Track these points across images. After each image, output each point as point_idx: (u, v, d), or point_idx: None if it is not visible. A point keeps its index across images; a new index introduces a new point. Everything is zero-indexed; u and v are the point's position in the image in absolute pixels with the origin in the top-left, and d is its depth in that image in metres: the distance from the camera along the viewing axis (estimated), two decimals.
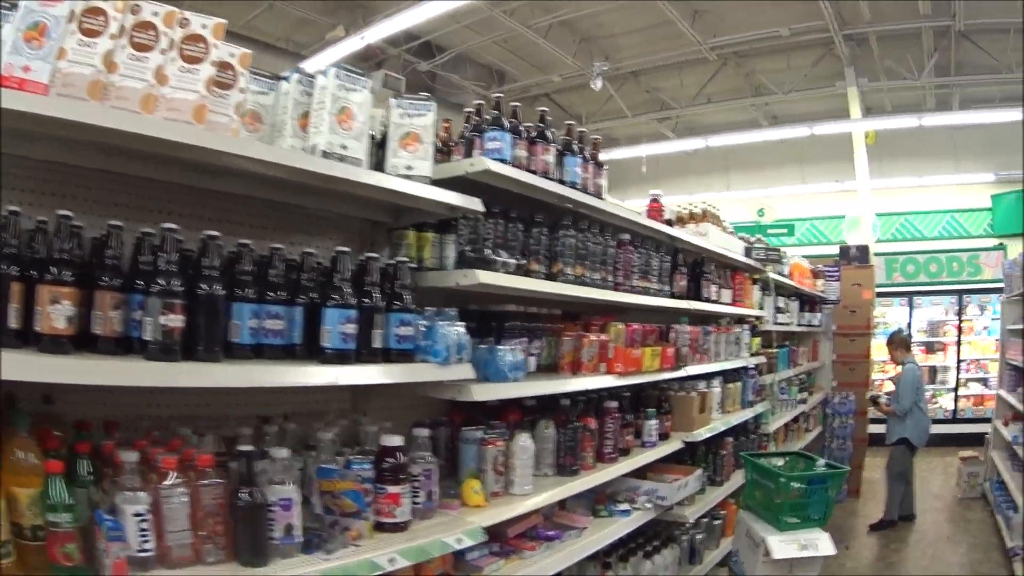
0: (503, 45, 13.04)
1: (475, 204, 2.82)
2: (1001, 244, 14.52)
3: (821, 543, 3.89)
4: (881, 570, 6.87)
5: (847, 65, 13.15)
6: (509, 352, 2.96)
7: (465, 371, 2.74)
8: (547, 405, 3.55)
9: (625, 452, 4.05)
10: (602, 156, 3.87)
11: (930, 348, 14.33)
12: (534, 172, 3.21)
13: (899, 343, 8.71)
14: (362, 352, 2.38)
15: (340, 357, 2.31)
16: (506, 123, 3.11)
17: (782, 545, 3.81)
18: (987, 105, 13.74)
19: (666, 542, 4.56)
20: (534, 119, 3.40)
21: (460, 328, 2.73)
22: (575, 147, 3.55)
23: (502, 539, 3.09)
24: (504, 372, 2.91)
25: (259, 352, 2.21)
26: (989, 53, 12.32)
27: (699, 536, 4.99)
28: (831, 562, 5.79)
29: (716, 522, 5.34)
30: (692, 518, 4.69)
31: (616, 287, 3.96)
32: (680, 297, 4.80)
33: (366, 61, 12.13)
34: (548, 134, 3.33)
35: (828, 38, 12.23)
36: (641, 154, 15.00)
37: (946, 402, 13.78)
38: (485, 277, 2.81)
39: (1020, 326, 8.55)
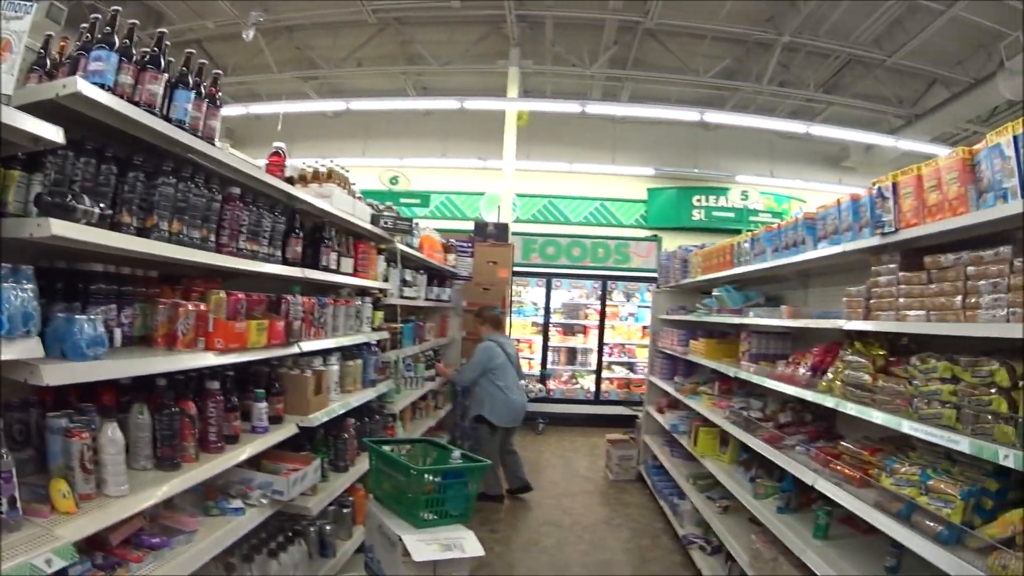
0: None
1: (52, 133, 2.48)
2: (656, 236, 16.16)
3: (467, 543, 3.83)
4: (537, 556, 7.18)
5: (514, 45, 14.12)
6: (87, 323, 2.69)
7: (31, 348, 2.42)
8: (144, 385, 3.33)
9: (233, 439, 3.89)
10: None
11: (568, 330, 15.52)
12: (137, 104, 2.97)
13: (488, 319, 9.28)
14: None
15: None
16: (116, 42, 2.88)
17: (422, 546, 3.71)
18: (659, 103, 15.54)
19: (293, 537, 4.50)
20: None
21: (28, 293, 2.41)
22: (191, 80, 3.32)
23: (106, 547, 2.90)
24: (82, 348, 2.64)
25: None
26: (676, 55, 13.95)
27: (328, 527, 4.99)
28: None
29: (345, 510, 5.37)
30: (316, 509, 4.67)
31: (219, 248, 3.75)
32: (295, 264, 4.69)
33: None
34: (162, 60, 3.09)
35: (500, 16, 13.08)
36: (279, 111, 14.91)
37: (588, 384, 15.04)
38: (60, 228, 2.47)
39: (673, 316, 9.46)
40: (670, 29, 13.40)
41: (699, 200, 17.34)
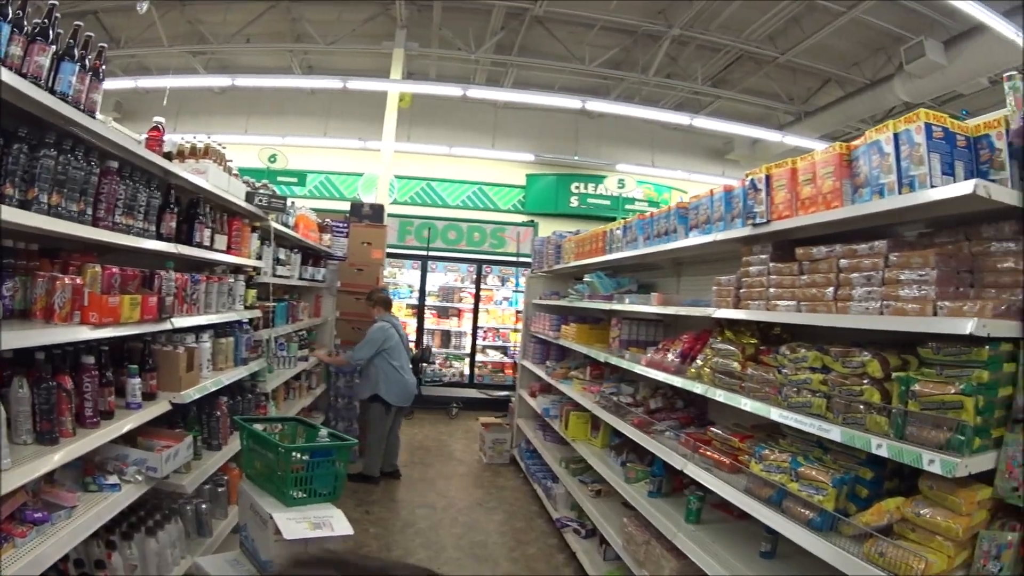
0: None
1: None
2: (533, 221, 16.24)
3: (336, 522, 3.83)
4: (412, 538, 7.12)
5: (400, 27, 13.96)
6: None
7: None
8: (23, 359, 3.27)
9: (109, 415, 3.82)
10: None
11: (443, 313, 15.50)
12: (25, 76, 2.88)
13: (378, 301, 9.22)
14: None
15: None
16: (9, 13, 2.79)
17: (292, 524, 3.69)
18: (543, 90, 15.49)
19: (169, 515, 4.43)
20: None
21: None
22: (76, 53, 3.23)
23: None
24: None
25: None
26: (563, 43, 13.90)
27: (204, 506, 4.97)
28: (356, 529, 5.99)
29: (220, 489, 5.33)
30: (191, 488, 4.63)
31: (96, 222, 3.65)
32: (169, 239, 4.57)
33: None
34: (51, 32, 3.02)
35: None
36: (166, 85, 14.36)
37: (463, 367, 15.01)
38: None
39: (546, 301, 9.50)
40: (558, 17, 13.37)
41: (577, 187, 17.38)
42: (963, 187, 2.63)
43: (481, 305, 15.15)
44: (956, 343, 2.77)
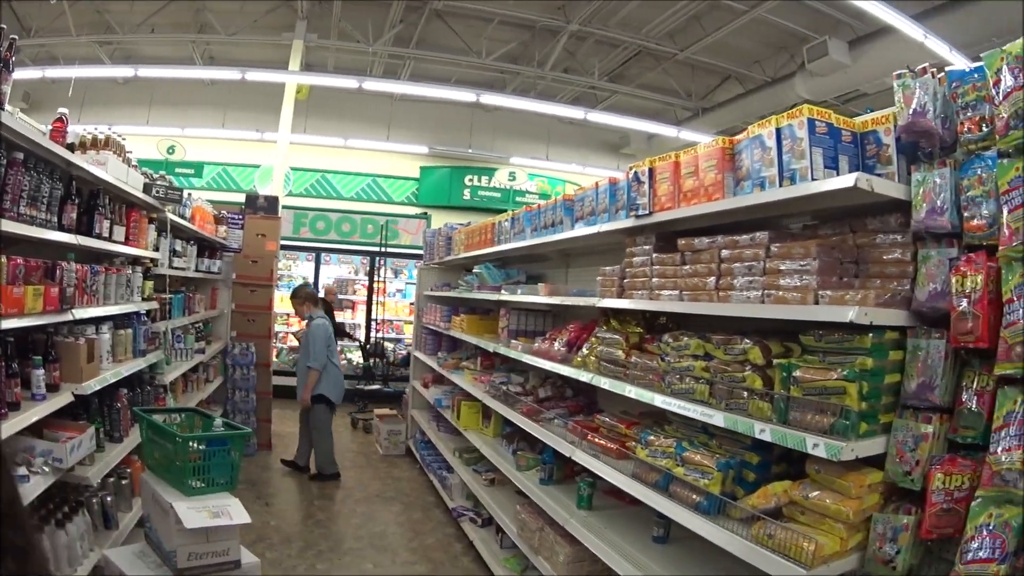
0: None
1: None
2: (426, 213, 16.08)
3: (234, 510, 3.77)
4: (312, 528, 7.01)
5: (301, 19, 13.64)
6: None
7: None
8: None
9: (15, 406, 3.72)
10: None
11: (338, 305, 15.13)
12: None
13: (305, 297, 9.06)
14: None
15: None
16: None
17: (192, 513, 3.63)
18: (439, 83, 15.27)
19: (76, 507, 4.28)
20: None
21: None
22: None
23: None
24: None
25: None
26: (461, 36, 13.69)
27: (109, 498, 4.87)
28: (256, 522, 6.05)
29: (124, 481, 5.22)
30: (95, 479, 4.52)
31: (2, 213, 3.53)
32: (70, 230, 4.43)
33: None
34: None
35: None
36: (71, 75, 13.87)
37: (357, 358, 14.84)
38: None
39: (437, 292, 9.38)
40: (458, 11, 13.14)
41: (471, 180, 17.29)
42: (845, 180, 2.62)
43: (375, 297, 14.91)
44: (839, 331, 2.77)
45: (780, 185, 2.96)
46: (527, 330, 6.31)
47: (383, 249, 14.73)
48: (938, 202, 2.60)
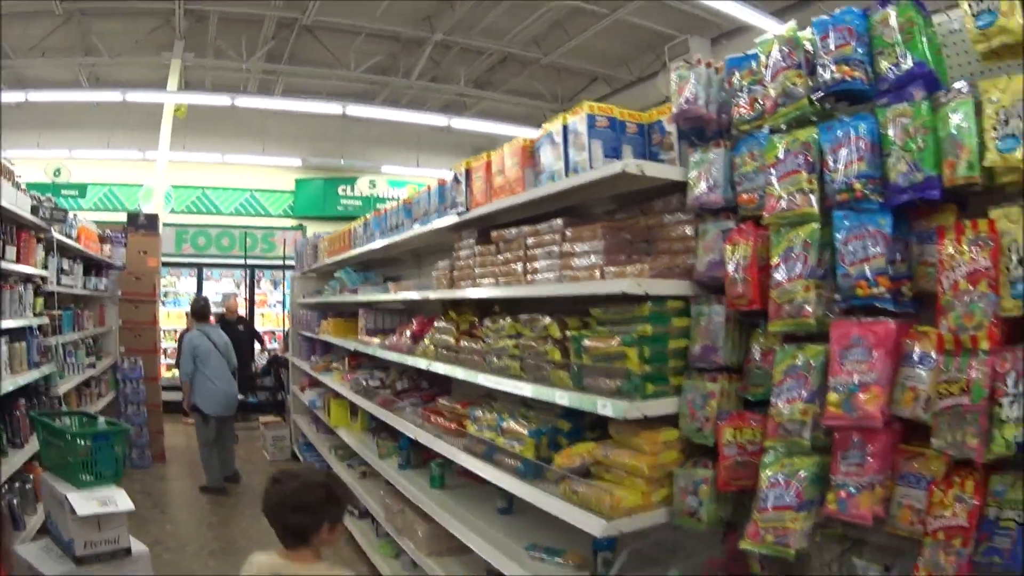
0: None
1: None
2: (301, 225, 15.98)
3: (119, 499, 3.98)
4: (205, 531, 7.09)
5: (179, 39, 13.40)
6: None
7: None
8: None
9: None
10: None
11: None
12: None
13: (193, 312, 9.11)
14: None
15: None
16: None
17: (83, 502, 3.85)
18: (310, 96, 15.18)
19: None
20: None
21: None
22: None
23: None
24: None
25: None
26: (329, 50, 13.64)
27: (15, 500, 5.14)
28: (154, 530, 6.52)
29: (28, 486, 5.50)
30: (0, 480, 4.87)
31: None
32: None
33: None
34: None
35: (171, 8, 12.41)
36: None
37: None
38: None
39: (309, 300, 9.44)
40: (327, 25, 13.06)
41: (344, 190, 17.23)
42: (613, 167, 2.81)
43: (256, 309, 14.65)
44: (621, 303, 2.94)
45: (567, 176, 3.14)
46: (383, 328, 6.42)
47: (246, 262, 14.72)
48: (712, 180, 2.75)
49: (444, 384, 5.75)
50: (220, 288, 15.31)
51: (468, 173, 4.08)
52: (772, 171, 2.46)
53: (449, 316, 4.52)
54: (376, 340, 6.04)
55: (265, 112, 15.99)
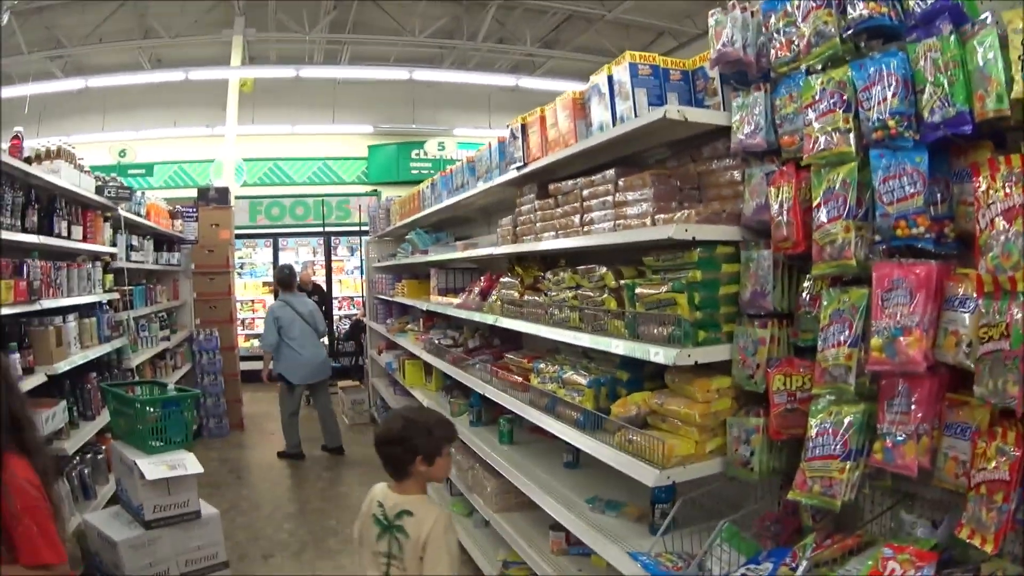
0: None
1: None
2: (376, 190, 16.11)
3: (188, 462, 4.09)
4: (280, 495, 7.33)
5: (239, 15, 13.71)
6: None
7: None
8: None
9: None
10: None
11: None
12: None
13: (279, 281, 9.20)
14: None
15: None
16: None
17: (152, 467, 3.95)
18: (376, 63, 15.45)
19: (58, 477, 4.60)
20: None
21: None
22: None
23: None
24: None
25: None
26: (393, 16, 13.85)
27: (87, 470, 5.30)
28: (229, 494, 6.82)
29: (99, 456, 5.65)
30: (71, 450, 5.05)
31: None
32: (32, 232, 4.98)
33: None
34: None
35: None
36: (25, 93, 13.86)
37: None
38: None
39: (383, 263, 9.64)
40: None
41: (417, 154, 17.31)
42: (654, 114, 2.84)
43: (334, 276, 15.02)
44: (672, 250, 2.97)
45: (613, 126, 3.19)
46: (455, 287, 6.51)
47: (324, 229, 14.98)
48: (754, 123, 2.73)
49: (515, 340, 5.85)
50: (294, 257, 15.51)
51: (524, 128, 4.14)
52: (810, 111, 2.44)
53: (514, 271, 4.60)
54: (447, 299, 6.19)
55: (333, 81, 16.25)
